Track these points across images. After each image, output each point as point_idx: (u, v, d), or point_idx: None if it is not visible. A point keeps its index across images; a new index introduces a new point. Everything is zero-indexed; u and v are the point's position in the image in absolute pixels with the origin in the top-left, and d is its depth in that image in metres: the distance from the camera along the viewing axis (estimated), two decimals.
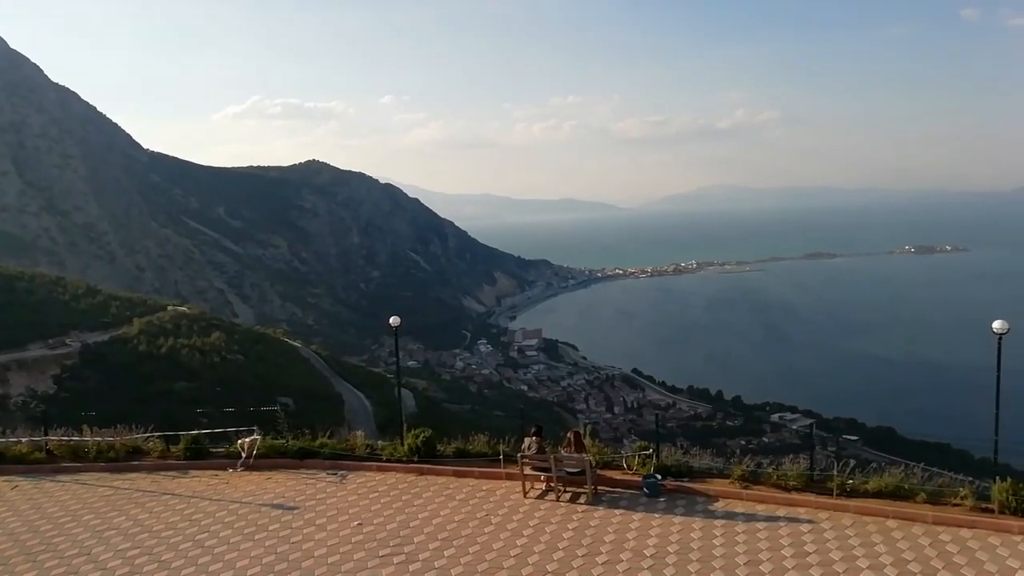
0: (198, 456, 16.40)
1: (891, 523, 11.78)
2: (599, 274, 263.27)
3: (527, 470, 13.87)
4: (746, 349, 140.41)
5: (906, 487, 12.53)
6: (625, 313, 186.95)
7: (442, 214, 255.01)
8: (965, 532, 11.34)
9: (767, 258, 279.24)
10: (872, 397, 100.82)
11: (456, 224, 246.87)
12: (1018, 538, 11.07)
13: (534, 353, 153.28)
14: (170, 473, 15.92)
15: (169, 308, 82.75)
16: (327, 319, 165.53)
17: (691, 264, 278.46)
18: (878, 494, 12.56)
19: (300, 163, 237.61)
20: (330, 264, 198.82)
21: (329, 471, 15.56)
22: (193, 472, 15.87)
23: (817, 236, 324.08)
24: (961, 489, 12.27)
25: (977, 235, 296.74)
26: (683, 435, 74.44)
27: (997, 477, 12.04)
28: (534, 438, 14.12)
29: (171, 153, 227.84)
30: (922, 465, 13.37)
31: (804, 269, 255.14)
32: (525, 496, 13.66)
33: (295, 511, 13.28)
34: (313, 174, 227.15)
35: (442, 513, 12.95)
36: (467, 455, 15.51)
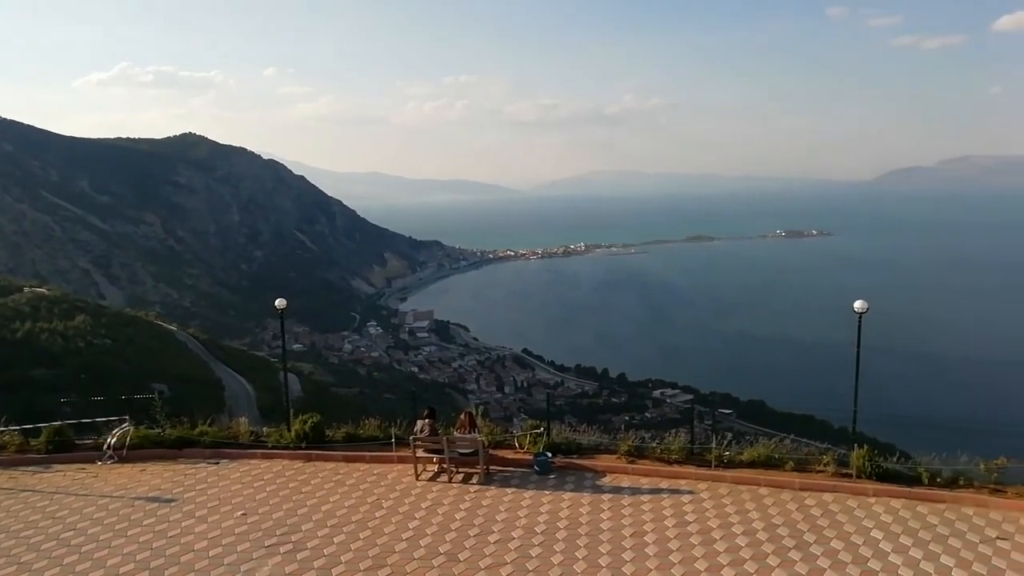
0: (62, 449, 15.21)
1: (763, 490, 12.57)
2: (491, 256, 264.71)
3: (419, 453, 13.80)
4: (631, 328, 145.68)
5: (776, 456, 13.42)
6: (516, 294, 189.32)
7: (330, 192, 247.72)
8: (827, 496, 12.27)
9: (651, 241, 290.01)
10: (745, 373, 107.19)
11: (344, 203, 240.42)
12: (872, 499, 12.10)
13: (425, 335, 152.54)
14: (30, 468, 14.69)
15: (26, 290, 76.20)
16: (205, 301, 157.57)
17: (580, 246, 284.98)
18: (752, 464, 13.38)
19: (175, 136, 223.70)
20: (209, 243, 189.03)
21: (210, 460, 14.86)
22: (56, 466, 14.72)
23: (698, 220, 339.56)
24: (824, 457, 13.27)
25: (841, 221, 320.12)
26: (571, 413, 76.47)
27: (855, 445, 13.09)
28: (427, 420, 14.05)
29: (25, 121, 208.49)
30: (791, 436, 14.35)
31: (685, 252, 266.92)
32: (417, 479, 13.59)
33: (173, 504, 12.61)
34: (189, 148, 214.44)
35: (331, 499, 12.67)
36: (358, 439, 15.23)
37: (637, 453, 14.09)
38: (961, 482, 12.37)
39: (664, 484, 13.02)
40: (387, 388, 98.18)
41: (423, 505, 12.33)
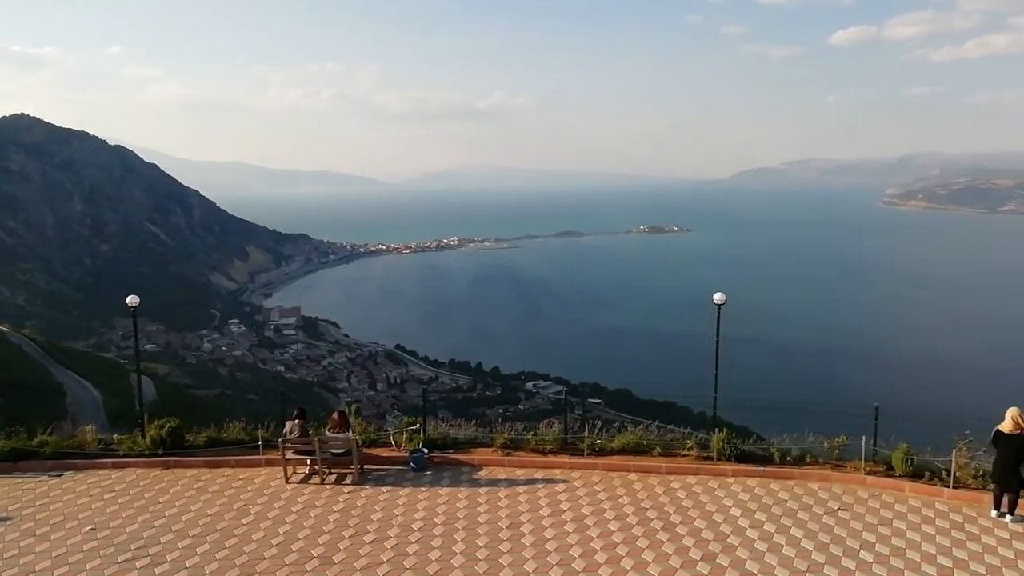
0: None
1: (633, 476, 13.09)
2: (361, 249, 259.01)
3: (289, 455, 13.26)
4: (504, 322, 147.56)
5: (644, 443, 14.00)
6: (388, 289, 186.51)
7: (185, 182, 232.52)
8: (691, 478, 12.96)
9: (523, 236, 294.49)
10: (612, 363, 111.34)
11: (202, 193, 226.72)
12: (731, 479, 12.90)
13: (292, 332, 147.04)
14: None
15: None
16: (42, 299, 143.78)
17: (453, 240, 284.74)
18: (622, 451, 13.89)
19: (5, 117, 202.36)
20: (46, 235, 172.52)
21: (52, 473, 13.57)
22: None
23: (568, 216, 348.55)
24: (688, 441, 14.00)
25: (699, 217, 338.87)
26: (446, 408, 76.43)
27: (715, 429, 13.90)
28: (296, 421, 13.52)
29: None
30: (656, 422, 15.02)
31: (556, 246, 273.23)
32: (287, 481, 13.06)
33: (8, 522, 11.40)
34: (22, 131, 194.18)
35: (193, 508, 11.92)
36: (221, 444, 14.43)
37: (513, 445, 14.26)
38: (808, 459, 13.44)
39: (540, 474, 13.25)
40: (251, 389, 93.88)
41: (294, 508, 11.86)
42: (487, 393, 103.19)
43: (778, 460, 13.34)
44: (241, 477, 13.33)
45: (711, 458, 13.54)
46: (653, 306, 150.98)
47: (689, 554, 10.12)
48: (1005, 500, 11.30)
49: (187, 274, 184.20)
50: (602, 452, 13.87)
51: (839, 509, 11.60)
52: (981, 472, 12.11)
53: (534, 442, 14.25)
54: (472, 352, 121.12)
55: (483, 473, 13.41)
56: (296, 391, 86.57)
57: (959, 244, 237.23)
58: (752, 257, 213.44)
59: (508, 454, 13.99)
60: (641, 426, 14.88)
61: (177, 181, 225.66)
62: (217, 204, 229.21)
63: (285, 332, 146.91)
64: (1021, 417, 11.13)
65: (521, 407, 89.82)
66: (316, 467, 13.25)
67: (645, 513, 11.50)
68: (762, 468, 13.13)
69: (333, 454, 13.27)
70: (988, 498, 11.58)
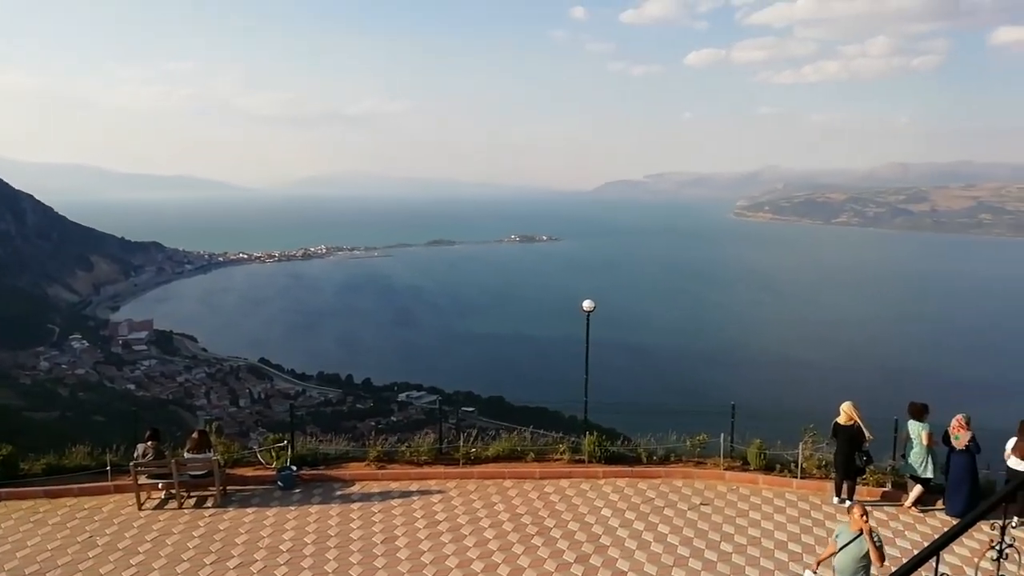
0: None
1: (508, 483, 13.17)
2: (221, 258, 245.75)
3: (142, 479, 12.29)
4: (375, 332, 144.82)
5: (519, 449, 14.15)
6: (251, 300, 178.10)
7: (18, 186, 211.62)
8: (564, 482, 13.21)
9: (394, 244, 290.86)
10: (486, 370, 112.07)
11: (37, 198, 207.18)
12: (602, 481, 13.27)
13: (143, 347, 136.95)
14: None
15: None
16: None
17: (321, 249, 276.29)
18: (497, 458, 13.95)
19: None
20: None
21: None
22: None
23: (439, 224, 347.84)
24: (560, 445, 14.28)
25: (568, 227, 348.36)
26: (315, 422, 73.78)
27: (586, 432, 14.27)
28: (150, 443, 12.56)
29: None
30: (530, 428, 15.21)
31: (428, 255, 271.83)
32: (140, 508, 12.10)
33: None
34: None
35: (30, 543, 10.78)
36: (63, 471, 13.15)
37: (386, 458, 13.97)
38: (672, 458, 14.08)
39: (414, 486, 13.05)
40: (97, 409, 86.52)
41: (148, 537, 11.00)
42: (358, 406, 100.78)
43: (645, 460, 13.88)
44: (87, 507, 12.20)
45: (583, 461, 13.88)
46: (525, 313, 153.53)
47: (563, 556, 10.30)
48: (845, 487, 12.34)
49: (20, 285, 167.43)
50: (477, 460, 13.88)
51: (701, 504, 12.22)
52: (824, 462, 13.17)
53: (408, 454, 14.04)
54: (342, 364, 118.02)
55: (356, 488, 13.04)
56: (149, 411, 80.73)
57: (800, 252, 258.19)
58: (618, 264, 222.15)
59: (382, 467, 13.69)
60: (515, 433, 15.03)
61: (7, 184, 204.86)
62: (55, 210, 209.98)
63: (135, 347, 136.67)
64: (853, 410, 12.21)
65: (394, 419, 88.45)
66: (173, 491, 12.37)
67: (520, 519, 11.60)
68: (631, 468, 13.61)
69: (192, 476, 12.44)
70: (830, 486, 12.60)
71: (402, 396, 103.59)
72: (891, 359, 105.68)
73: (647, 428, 14.82)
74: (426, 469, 13.67)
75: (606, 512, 11.85)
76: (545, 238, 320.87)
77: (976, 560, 9.13)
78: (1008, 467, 11.60)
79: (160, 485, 12.49)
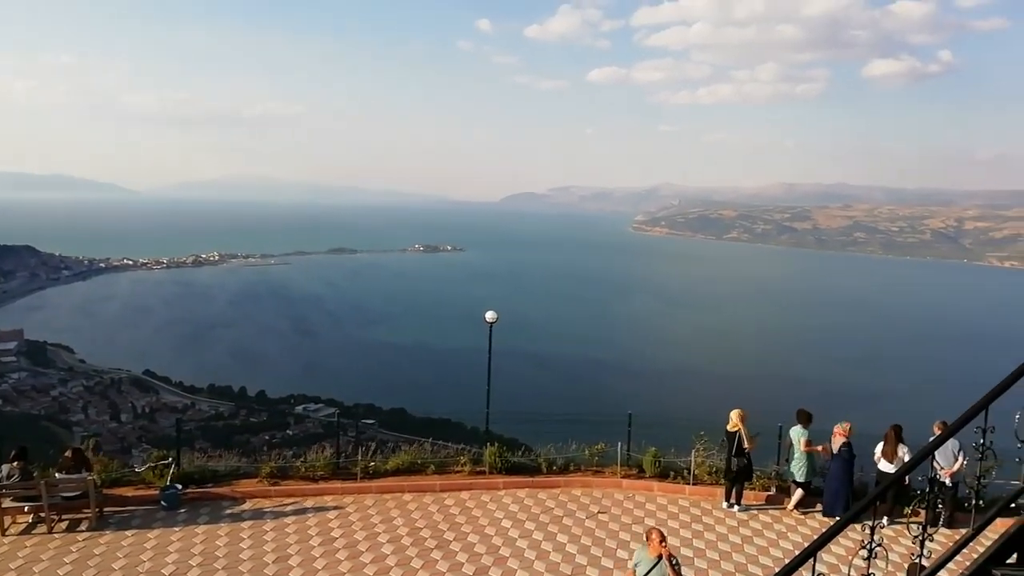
0: None
1: (407, 496, 12.96)
2: (103, 264, 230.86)
3: (6, 503, 11.30)
4: (272, 343, 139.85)
5: (419, 462, 13.96)
6: (135, 309, 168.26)
7: None
8: (465, 494, 13.13)
9: (293, 252, 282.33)
10: (388, 382, 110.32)
11: None
12: (503, 492, 13.28)
13: (12, 358, 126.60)
14: None
15: None
16: None
17: (213, 255, 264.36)
18: (396, 472, 13.71)
19: None
20: None
21: None
22: None
23: (341, 232, 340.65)
24: (462, 457, 14.20)
25: (472, 237, 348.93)
26: (204, 437, 70.21)
27: (487, 443, 14.25)
28: (15, 463, 11.58)
29: None
30: (431, 440, 15.05)
31: (329, 263, 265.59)
32: (3, 534, 11.11)
33: None
34: None
35: None
36: None
37: (280, 474, 13.46)
38: (572, 467, 14.27)
39: (310, 503, 12.63)
40: None
41: (13, 565, 10.11)
42: (252, 419, 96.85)
43: (545, 470, 14.00)
44: None
45: (484, 472, 13.84)
46: (429, 323, 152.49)
47: (462, 569, 10.21)
48: (733, 492, 12.87)
49: None
50: (376, 474, 13.59)
51: (599, 512, 12.43)
52: (715, 468, 13.69)
53: (303, 469, 13.58)
54: (235, 376, 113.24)
55: (247, 506, 12.47)
56: (18, 427, 74.71)
57: (695, 266, 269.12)
58: (521, 275, 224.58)
59: (275, 484, 13.17)
60: (416, 445, 14.83)
61: None
62: None
63: (2, 359, 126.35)
64: (739, 418, 12.79)
65: (291, 432, 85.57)
66: (42, 514, 11.43)
67: (419, 533, 11.42)
68: (531, 479, 13.69)
69: (64, 498, 11.55)
70: (721, 491, 13.11)
71: (299, 409, 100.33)
72: (780, 368, 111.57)
73: (549, 438, 14.97)
74: (322, 485, 13.26)
75: (506, 523, 11.85)
76: (449, 248, 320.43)
77: (849, 558, 9.69)
78: (878, 470, 12.43)
79: (27, 508, 11.53)
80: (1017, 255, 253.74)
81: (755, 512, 12.79)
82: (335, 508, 12.38)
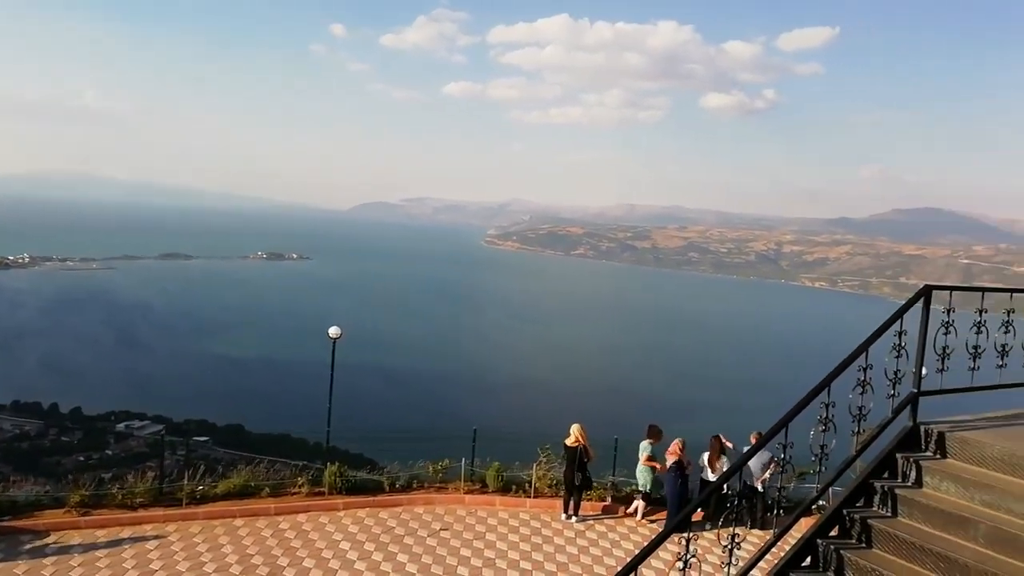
0: None
1: (238, 522, 12.24)
2: None
3: None
4: (91, 355, 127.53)
5: (252, 485, 13.24)
6: None
7: None
8: (302, 517, 12.61)
9: (119, 256, 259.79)
10: (224, 396, 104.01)
11: None
12: (342, 513, 12.89)
13: None
14: None
15: None
16: None
17: (23, 258, 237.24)
18: (227, 496, 12.92)
19: None
20: None
21: None
22: None
23: (174, 236, 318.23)
24: (299, 478, 13.64)
25: (319, 246, 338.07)
26: (6, 460, 62.93)
27: (327, 463, 13.79)
28: None
29: None
30: (267, 460, 14.34)
31: (160, 269, 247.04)
32: None
33: None
34: None
35: None
36: None
37: (93, 502, 12.27)
38: (415, 484, 14.13)
39: (126, 533, 11.60)
40: None
41: None
42: (64, 438, 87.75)
43: (388, 488, 13.76)
44: None
45: (323, 493, 13.38)
46: (271, 335, 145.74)
47: None
48: (572, 503, 13.30)
49: None
50: (204, 499, 12.73)
51: (441, 530, 12.38)
52: (555, 481, 14.08)
53: (120, 496, 12.46)
54: (45, 391, 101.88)
55: (51, 540, 11.24)
56: None
57: (544, 281, 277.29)
58: (371, 286, 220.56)
59: (86, 514, 11.98)
60: (251, 465, 14.08)
61: None
62: None
63: None
64: (580, 431, 13.30)
65: (110, 452, 78.40)
66: None
67: (251, 560, 10.82)
68: (373, 498, 13.41)
69: None
70: (560, 503, 13.50)
71: (120, 426, 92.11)
72: (620, 381, 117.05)
73: (395, 455, 14.77)
74: (141, 513, 12.22)
75: (344, 545, 11.51)
76: (295, 256, 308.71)
77: (667, 570, 10.26)
78: (701, 479, 13.34)
79: None
80: (825, 276, 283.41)
81: (592, 522, 13.28)
82: (156, 538, 11.45)
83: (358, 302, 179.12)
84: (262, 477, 13.54)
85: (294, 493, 13.34)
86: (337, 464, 13.68)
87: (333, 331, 14.01)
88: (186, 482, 12.73)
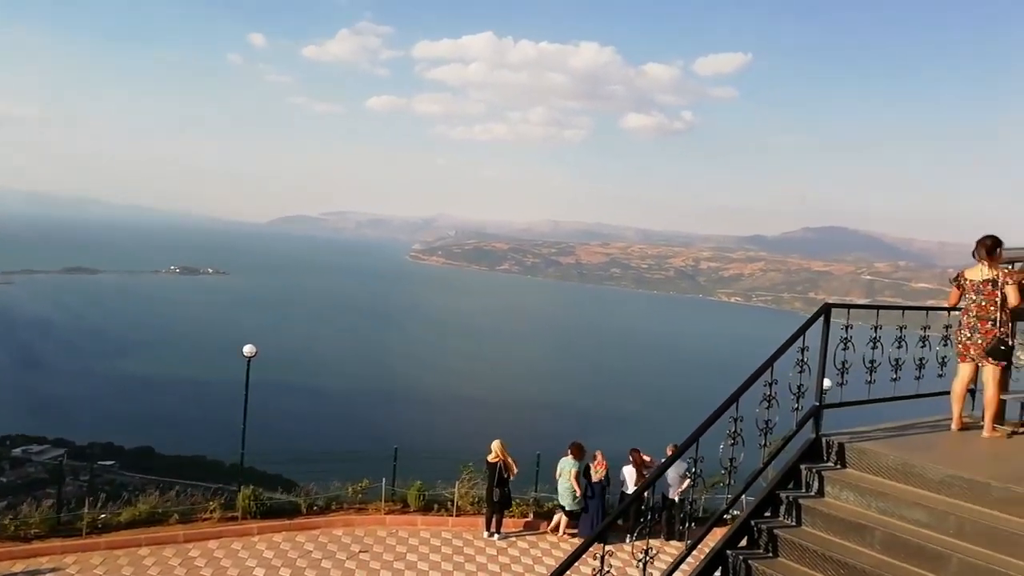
0: None
1: (144, 551, 11.65)
2: None
3: None
4: None
5: (160, 511, 12.64)
6: None
7: None
8: (213, 543, 12.09)
9: (17, 270, 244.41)
10: (133, 418, 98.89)
11: None
12: (257, 538, 12.44)
13: None
14: None
15: None
16: None
17: None
18: (132, 524, 12.28)
19: None
20: None
21: None
22: None
23: (79, 249, 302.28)
24: (211, 503, 13.09)
25: (236, 260, 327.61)
26: None
27: (242, 485, 13.31)
28: None
29: None
30: (179, 484, 13.74)
31: (64, 284, 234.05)
32: None
33: None
34: None
35: None
36: None
37: None
38: (334, 506, 13.78)
39: (19, 567, 10.85)
40: None
41: None
42: None
43: (305, 511, 13.38)
44: None
45: (236, 518, 12.89)
46: (186, 353, 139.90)
47: None
48: (494, 520, 13.27)
49: None
50: (107, 528, 12.06)
51: (361, 552, 12.11)
52: (477, 499, 14.02)
53: (13, 528, 11.65)
54: None
55: None
56: None
57: (470, 296, 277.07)
58: (292, 302, 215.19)
59: None
60: (162, 490, 13.45)
61: None
62: None
63: None
64: (501, 448, 13.32)
65: (4, 480, 73.41)
66: None
67: None
68: (289, 521, 13.01)
69: None
70: (483, 520, 13.44)
71: (17, 451, 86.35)
72: (543, 395, 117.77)
73: (315, 476, 14.40)
74: (37, 545, 11.46)
75: (258, 572, 11.11)
76: (211, 271, 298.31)
77: None
78: (621, 492, 13.55)
79: None
80: (740, 292, 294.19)
81: (514, 539, 13.27)
82: (53, 571, 10.76)
83: (278, 318, 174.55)
84: (171, 502, 12.95)
85: (205, 519, 12.79)
86: (252, 487, 13.21)
87: (247, 349, 13.59)
88: (87, 510, 12.03)
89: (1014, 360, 7.27)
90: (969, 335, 6.86)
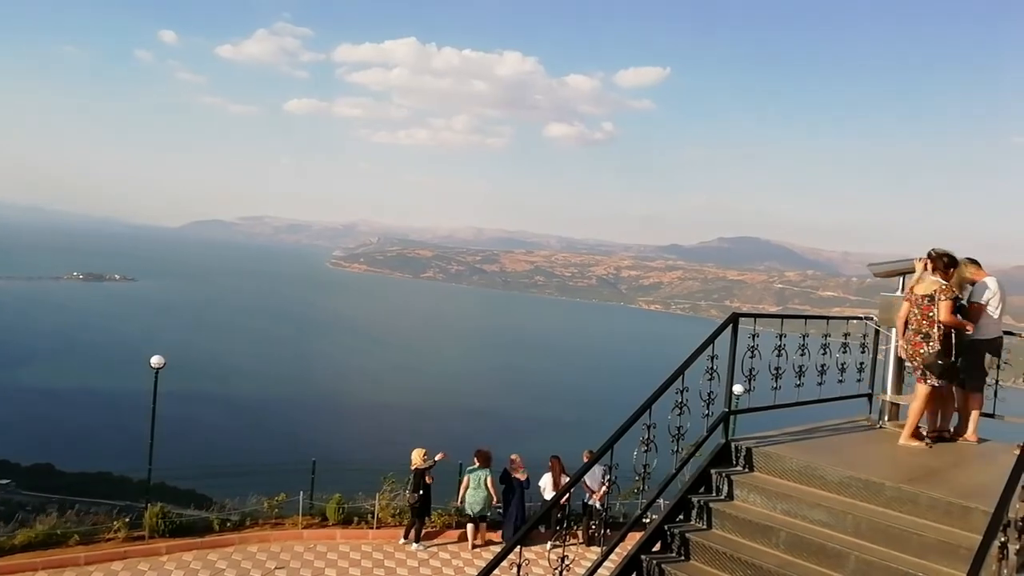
0: None
1: (41, 574, 10.99)
2: None
3: None
4: None
5: (60, 532, 11.95)
6: None
7: None
8: (117, 565, 11.52)
9: None
10: (32, 433, 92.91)
11: None
12: (165, 558, 11.91)
13: None
14: None
15: None
16: None
17: None
18: (28, 547, 11.56)
19: None
20: None
21: None
22: None
23: None
24: (115, 523, 12.47)
25: (145, 266, 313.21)
26: None
27: (150, 502, 12.73)
28: None
29: None
30: (82, 502, 13.05)
31: None
32: None
33: None
34: None
35: None
36: None
37: None
38: (249, 522, 13.35)
39: None
40: None
41: None
42: None
43: (218, 528, 12.91)
44: None
45: (143, 537, 12.31)
46: (91, 364, 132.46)
47: None
48: (414, 530, 13.16)
49: None
50: (0, 552, 11.31)
51: (276, 568, 11.78)
52: (398, 510, 13.86)
53: None
54: None
55: None
56: None
57: (393, 303, 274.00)
58: (206, 309, 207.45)
59: None
60: (63, 509, 12.72)
61: None
62: None
63: None
64: (420, 456, 13.27)
65: None
66: None
67: None
68: (200, 539, 12.52)
69: None
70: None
71: None
72: (467, 401, 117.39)
73: (229, 490, 13.92)
74: None
75: None
76: (118, 277, 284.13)
77: None
78: (543, 499, 13.67)
79: None
80: (659, 299, 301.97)
81: (435, 549, 13.19)
82: None
83: (190, 326, 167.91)
84: (72, 522, 12.25)
85: (109, 539, 12.17)
86: (160, 504, 12.66)
87: (155, 360, 13.04)
88: None
89: (988, 380, 7.15)
90: (906, 346, 6.98)
